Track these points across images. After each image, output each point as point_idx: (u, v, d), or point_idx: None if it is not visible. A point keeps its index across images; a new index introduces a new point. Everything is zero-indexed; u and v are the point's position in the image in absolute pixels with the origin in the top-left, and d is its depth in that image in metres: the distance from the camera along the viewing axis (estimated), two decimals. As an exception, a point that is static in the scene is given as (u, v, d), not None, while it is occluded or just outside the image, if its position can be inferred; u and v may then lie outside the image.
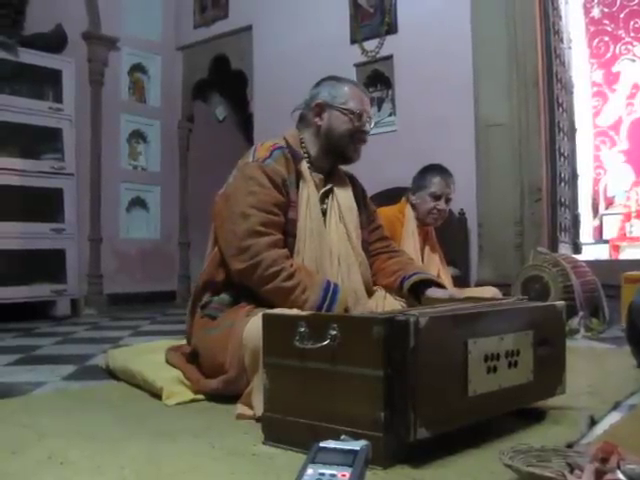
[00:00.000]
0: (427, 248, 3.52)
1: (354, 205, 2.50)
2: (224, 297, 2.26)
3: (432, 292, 2.37)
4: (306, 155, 2.41)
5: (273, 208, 2.20)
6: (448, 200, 3.47)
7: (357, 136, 2.41)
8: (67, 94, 5.58)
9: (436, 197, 3.43)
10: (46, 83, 5.62)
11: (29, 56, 5.36)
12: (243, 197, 2.21)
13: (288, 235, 2.26)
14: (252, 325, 1.91)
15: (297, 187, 2.32)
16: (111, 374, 2.61)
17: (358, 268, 2.40)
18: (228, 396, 2.02)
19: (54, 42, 5.64)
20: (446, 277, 3.52)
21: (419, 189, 3.46)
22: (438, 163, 3.56)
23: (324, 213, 2.38)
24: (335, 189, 2.45)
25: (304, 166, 2.37)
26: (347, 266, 2.36)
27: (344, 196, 2.47)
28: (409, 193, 3.52)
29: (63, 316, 5.35)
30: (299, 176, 2.33)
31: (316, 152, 2.42)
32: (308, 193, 2.32)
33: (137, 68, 6.72)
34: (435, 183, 3.43)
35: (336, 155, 2.44)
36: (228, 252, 2.22)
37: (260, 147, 2.33)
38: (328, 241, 2.33)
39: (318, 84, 2.49)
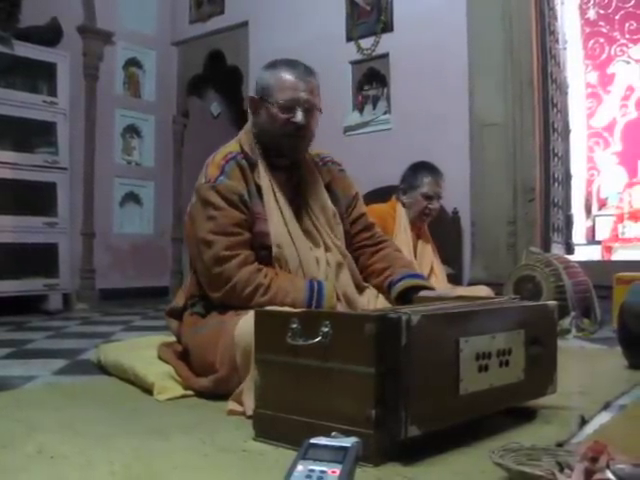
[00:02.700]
0: (420, 241, 3.53)
1: (327, 202, 2.35)
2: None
3: (424, 294, 2.27)
4: (261, 152, 2.28)
5: (234, 229, 2.14)
6: (439, 198, 3.49)
7: (288, 130, 2.21)
8: (62, 88, 5.56)
9: (428, 197, 3.44)
10: (41, 77, 5.59)
11: (24, 49, 5.33)
12: (203, 223, 2.16)
13: (261, 249, 2.18)
14: (244, 323, 1.90)
15: (260, 196, 2.22)
16: (102, 369, 2.60)
17: (345, 267, 2.32)
18: (219, 393, 2.01)
19: (49, 35, 5.61)
20: (439, 270, 3.54)
21: (410, 189, 3.47)
22: (427, 161, 3.57)
23: (297, 216, 2.27)
24: (304, 187, 2.34)
25: (262, 170, 2.24)
26: (333, 267, 2.27)
27: (315, 194, 2.34)
28: (399, 192, 3.52)
29: (55, 310, 5.33)
30: (259, 184, 2.23)
31: (266, 149, 2.29)
32: (275, 199, 2.22)
33: (132, 63, 6.70)
34: (427, 183, 3.44)
35: (277, 152, 2.27)
36: (202, 280, 2.21)
37: (211, 163, 2.24)
38: (307, 246, 2.25)
39: (260, 71, 2.33)
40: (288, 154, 2.28)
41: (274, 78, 2.23)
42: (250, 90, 6.17)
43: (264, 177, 2.24)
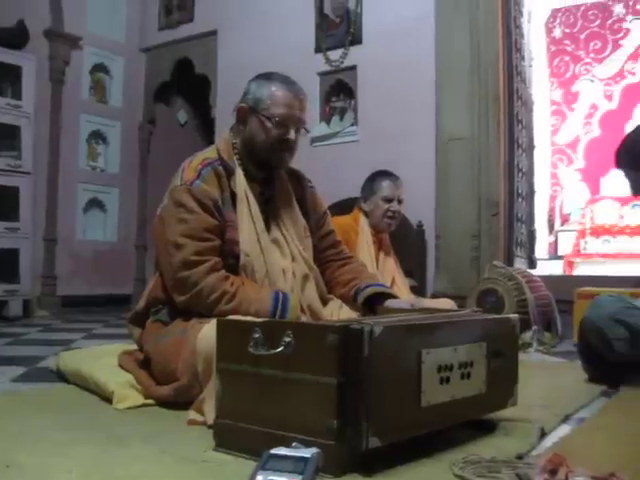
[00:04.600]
0: (382, 254, 3.57)
1: (298, 215, 2.39)
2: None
3: (390, 303, 2.32)
4: (240, 162, 2.29)
5: (205, 234, 2.12)
6: (400, 201, 3.54)
7: (279, 146, 2.24)
8: (27, 91, 5.51)
9: (388, 200, 3.50)
10: (5, 79, 5.53)
11: (-11, 51, 5.28)
12: (175, 225, 2.13)
13: (229, 256, 2.18)
14: (206, 332, 1.89)
15: (234, 204, 2.22)
16: (61, 377, 2.56)
17: (310, 279, 2.33)
18: (180, 402, 2.00)
19: (15, 38, 5.56)
20: (401, 282, 3.58)
21: (370, 195, 3.54)
22: (383, 169, 3.63)
23: (267, 226, 2.28)
24: (276, 198, 2.35)
25: (239, 178, 2.25)
26: (299, 279, 2.29)
27: (287, 206, 2.37)
28: (360, 202, 3.57)
29: (15, 317, 5.26)
30: (234, 192, 2.23)
31: (246, 159, 2.30)
32: (249, 208, 2.22)
33: (99, 68, 6.64)
34: (385, 187, 3.52)
35: (261, 164, 2.29)
36: (167, 283, 2.18)
37: (188, 166, 2.21)
38: (275, 257, 2.26)
39: (251, 80, 2.32)
40: (275, 166, 2.31)
41: (269, 92, 2.24)
42: (219, 98, 6.18)
43: (240, 185, 2.24)
